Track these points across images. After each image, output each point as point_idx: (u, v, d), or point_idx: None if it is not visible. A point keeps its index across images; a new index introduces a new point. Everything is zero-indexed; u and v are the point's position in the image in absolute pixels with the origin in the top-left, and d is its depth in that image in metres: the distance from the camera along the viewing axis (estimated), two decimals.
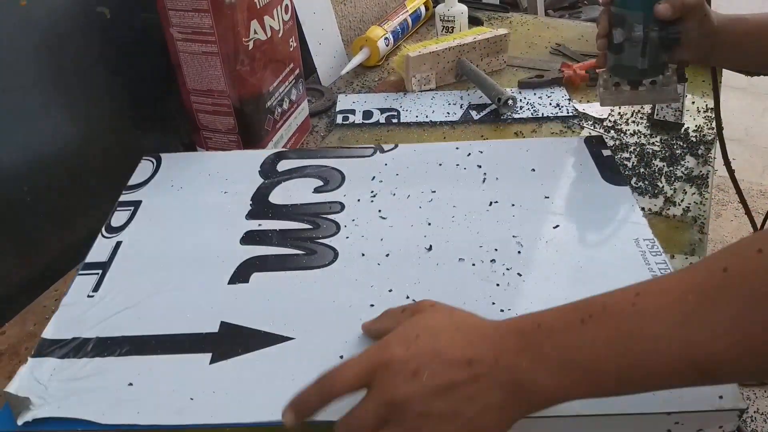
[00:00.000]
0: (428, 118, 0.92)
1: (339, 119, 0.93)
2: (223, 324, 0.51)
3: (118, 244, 0.61)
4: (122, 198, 0.67)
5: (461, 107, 0.94)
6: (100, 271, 0.58)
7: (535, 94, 0.96)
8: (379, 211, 0.63)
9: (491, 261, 0.56)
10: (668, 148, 0.82)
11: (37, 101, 0.65)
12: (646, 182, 0.75)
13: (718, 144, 0.81)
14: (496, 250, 0.57)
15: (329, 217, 0.63)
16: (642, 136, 0.85)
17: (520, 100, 0.94)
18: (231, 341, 0.50)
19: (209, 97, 0.75)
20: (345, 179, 0.68)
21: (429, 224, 0.61)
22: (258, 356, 0.48)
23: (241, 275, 0.56)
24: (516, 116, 0.91)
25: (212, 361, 0.48)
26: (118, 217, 0.64)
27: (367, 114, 0.94)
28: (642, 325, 0.37)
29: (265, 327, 0.51)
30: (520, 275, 0.54)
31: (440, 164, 0.70)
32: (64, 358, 0.49)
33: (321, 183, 0.68)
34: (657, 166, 0.78)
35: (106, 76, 0.73)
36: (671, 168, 0.78)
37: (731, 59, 0.73)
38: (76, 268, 0.60)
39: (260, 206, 0.65)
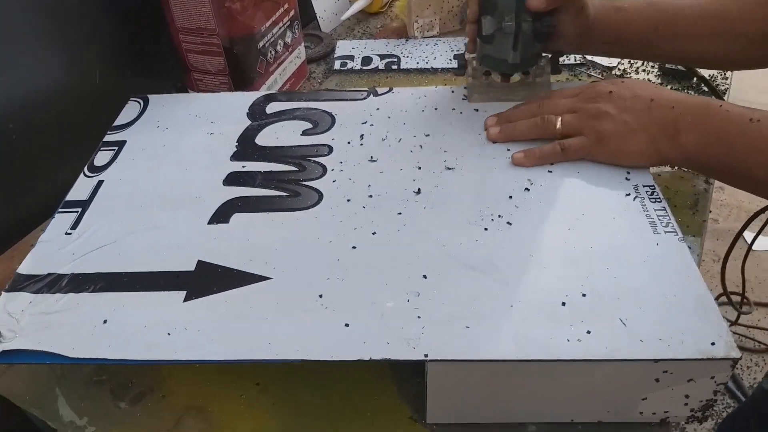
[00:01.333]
0: (429, 65, 0.89)
1: (337, 65, 0.91)
2: (199, 263, 0.50)
3: (100, 182, 0.59)
4: (107, 138, 0.66)
5: None
6: (79, 209, 0.56)
7: None
8: (369, 155, 0.61)
9: (481, 206, 0.54)
10: None
11: (22, 38, 0.63)
12: None
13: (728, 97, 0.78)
14: (486, 195, 0.55)
15: (316, 159, 0.61)
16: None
17: None
18: (206, 280, 0.49)
19: (198, 36, 0.72)
20: (335, 122, 0.66)
21: (419, 168, 0.58)
22: (233, 295, 0.47)
23: (221, 215, 0.55)
24: None
25: (186, 299, 0.47)
26: (101, 157, 0.63)
27: (366, 60, 0.91)
28: None
29: (242, 267, 0.49)
30: (510, 224, 0.52)
31: (436, 108, 0.67)
32: (38, 293, 0.49)
33: (310, 125, 0.65)
34: None
35: (92, 13, 0.71)
36: None
37: (607, 50, 0.69)
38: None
39: (246, 148, 0.63)
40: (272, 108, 0.69)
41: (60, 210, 0.57)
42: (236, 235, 0.53)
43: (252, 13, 0.73)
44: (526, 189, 0.55)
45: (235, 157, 0.62)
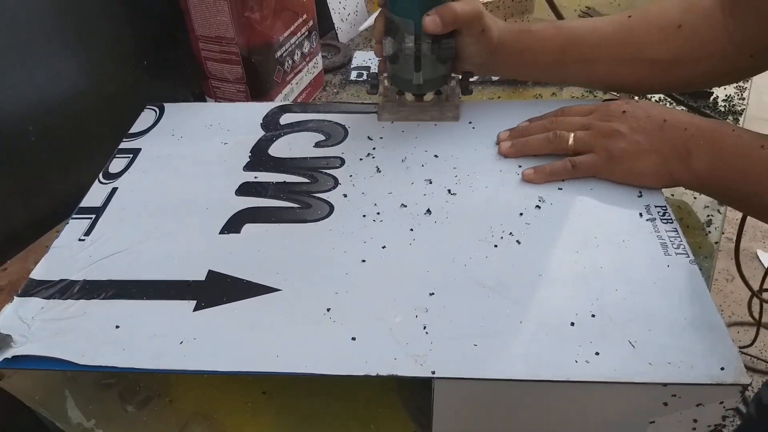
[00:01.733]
0: None
1: (353, 75, 0.91)
2: (210, 272, 0.50)
3: (114, 190, 0.60)
4: (122, 145, 0.66)
5: None
6: (93, 216, 0.57)
7: None
8: (379, 168, 0.61)
9: (491, 223, 0.53)
10: None
11: (43, 42, 0.64)
12: None
13: (745, 116, 0.77)
14: (497, 212, 0.55)
15: (327, 171, 0.61)
16: (668, 103, 0.81)
17: None
18: (216, 290, 0.49)
19: (217, 45, 0.73)
20: (348, 135, 0.66)
21: (430, 183, 0.59)
22: (242, 306, 0.47)
23: (233, 225, 0.55)
24: None
25: (196, 309, 0.47)
26: (116, 164, 0.64)
27: None
28: None
29: (252, 277, 0.50)
30: (519, 243, 0.51)
31: (448, 123, 0.67)
32: (50, 298, 0.49)
33: (323, 137, 0.66)
34: None
35: (112, 19, 0.72)
36: None
37: (516, 72, 0.69)
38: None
39: (259, 158, 0.63)
40: (286, 119, 0.69)
41: (74, 216, 0.57)
42: (247, 246, 0.53)
43: (271, 22, 0.74)
44: (537, 207, 0.55)
45: (248, 167, 0.62)
